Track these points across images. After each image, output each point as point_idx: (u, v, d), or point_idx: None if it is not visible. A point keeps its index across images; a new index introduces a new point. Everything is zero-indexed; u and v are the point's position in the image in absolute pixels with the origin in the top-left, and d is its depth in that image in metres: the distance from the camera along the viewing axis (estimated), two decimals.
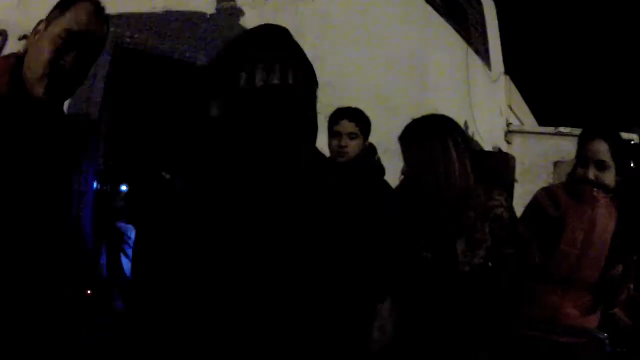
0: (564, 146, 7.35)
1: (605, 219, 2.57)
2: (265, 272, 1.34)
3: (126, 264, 4.53)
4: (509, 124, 8.06)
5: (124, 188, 5.09)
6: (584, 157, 2.58)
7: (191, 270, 1.33)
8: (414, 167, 2.40)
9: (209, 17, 3.92)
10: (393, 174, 2.81)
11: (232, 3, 4.05)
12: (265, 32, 1.49)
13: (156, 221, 1.46)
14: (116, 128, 4.19)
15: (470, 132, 6.22)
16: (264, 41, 1.47)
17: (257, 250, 1.33)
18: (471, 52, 6.80)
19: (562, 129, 7.80)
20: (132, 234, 4.59)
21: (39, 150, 1.52)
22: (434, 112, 2.53)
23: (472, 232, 2.30)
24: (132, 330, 1.44)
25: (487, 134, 6.71)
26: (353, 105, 3.16)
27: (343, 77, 4.03)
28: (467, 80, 5.31)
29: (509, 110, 8.29)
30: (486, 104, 6.78)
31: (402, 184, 2.55)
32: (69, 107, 3.38)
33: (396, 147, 2.44)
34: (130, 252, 4.46)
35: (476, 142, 6.13)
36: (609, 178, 2.55)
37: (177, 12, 3.80)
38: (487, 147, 6.60)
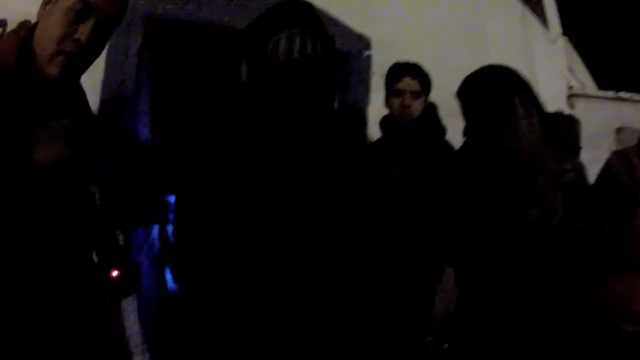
0: (625, 111, 7.14)
1: None
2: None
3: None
4: (570, 87, 7.69)
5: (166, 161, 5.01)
6: None
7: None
8: (474, 126, 2.24)
9: None
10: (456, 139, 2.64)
11: None
12: (291, 5, 1.57)
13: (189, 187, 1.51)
14: (155, 103, 4.03)
15: None
16: (288, 14, 1.55)
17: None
18: (527, 11, 6.51)
19: (623, 94, 7.54)
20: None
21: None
22: None
23: (543, 199, 2.11)
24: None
25: (549, 98, 6.40)
26: None
27: (397, 35, 3.86)
28: (524, 41, 5.00)
29: (570, 72, 7.91)
30: (546, 66, 6.45)
31: (463, 146, 2.39)
32: (102, 83, 3.18)
33: (455, 109, 2.31)
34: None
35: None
36: None
37: None
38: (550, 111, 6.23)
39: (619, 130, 7.30)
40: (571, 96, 7.58)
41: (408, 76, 2.87)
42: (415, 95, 2.87)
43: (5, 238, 1.20)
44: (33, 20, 1.46)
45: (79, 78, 1.52)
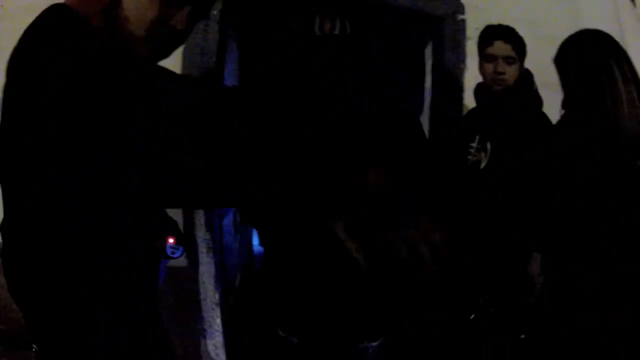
0: None
1: None
2: None
3: None
4: None
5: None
6: None
7: None
8: (574, 96, 2.11)
9: None
10: (551, 112, 2.53)
11: None
12: None
13: None
14: (242, 74, 3.98)
15: None
16: None
17: None
18: None
19: None
20: None
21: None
22: None
23: None
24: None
25: None
26: None
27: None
28: (615, 15, 4.64)
29: None
30: (635, 44, 6.02)
31: (562, 119, 2.23)
32: (183, 57, 3.15)
33: (554, 78, 2.17)
34: None
35: None
36: None
37: None
38: None
39: None
40: None
41: (500, 40, 2.68)
42: (509, 60, 2.67)
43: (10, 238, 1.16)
44: None
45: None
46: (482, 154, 2.68)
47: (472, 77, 3.25)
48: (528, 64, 2.80)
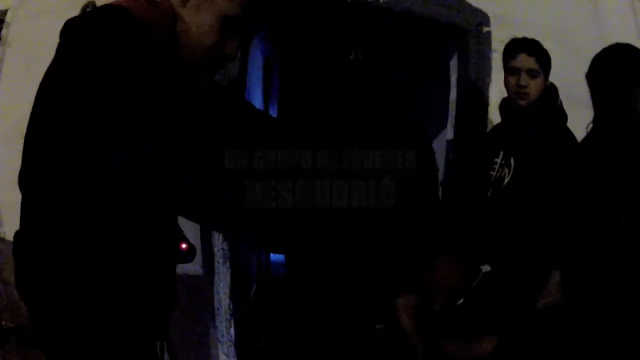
0: None
1: None
2: None
3: None
4: None
5: None
6: None
7: None
8: (605, 113, 2.08)
9: None
10: (575, 128, 2.48)
11: None
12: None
13: None
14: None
15: None
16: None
17: None
18: None
19: None
20: None
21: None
22: None
23: None
24: None
25: None
26: None
27: (517, 10, 3.58)
28: (636, 25, 4.58)
29: None
30: None
31: (590, 135, 2.21)
32: None
33: (580, 93, 2.15)
34: None
35: None
36: None
37: None
38: None
39: None
40: None
41: (524, 53, 2.61)
42: (532, 74, 2.60)
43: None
44: None
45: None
46: (506, 170, 2.62)
47: (498, 91, 3.21)
48: (554, 78, 2.73)
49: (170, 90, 1.19)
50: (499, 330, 2.04)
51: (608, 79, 2.03)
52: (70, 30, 1.25)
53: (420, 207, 2.19)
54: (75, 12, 2.84)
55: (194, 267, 3.02)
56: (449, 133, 3.67)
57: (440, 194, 2.88)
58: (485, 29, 3.47)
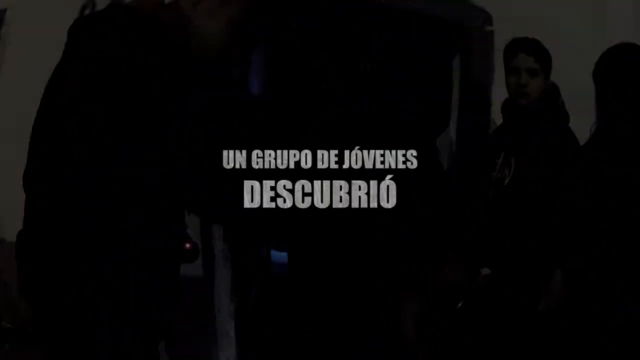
0: None
1: None
2: None
3: None
4: None
5: None
6: None
7: None
8: (609, 112, 2.11)
9: None
10: (579, 128, 2.50)
11: None
12: None
13: None
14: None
15: None
16: None
17: None
18: None
19: None
20: None
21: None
22: None
23: None
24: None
25: None
26: None
27: (521, 10, 3.53)
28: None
29: None
30: None
31: (594, 135, 2.25)
32: None
33: (583, 93, 2.24)
34: None
35: None
36: None
37: None
38: None
39: None
40: None
41: (523, 52, 2.66)
42: (532, 73, 2.64)
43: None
44: None
45: None
46: (506, 170, 2.64)
47: (501, 91, 3.22)
48: (558, 76, 2.75)
49: (171, 90, 1.20)
50: (498, 330, 2.06)
51: (611, 78, 2.06)
52: (75, 30, 1.26)
53: (423, 207, 2.19)
54: (74, 12, 2.85)
55: (194, 268, 3.02)
56: (451, 133, 3.67)
57: (447, 193, 2.91)
58: (488, 28, 3.48)
